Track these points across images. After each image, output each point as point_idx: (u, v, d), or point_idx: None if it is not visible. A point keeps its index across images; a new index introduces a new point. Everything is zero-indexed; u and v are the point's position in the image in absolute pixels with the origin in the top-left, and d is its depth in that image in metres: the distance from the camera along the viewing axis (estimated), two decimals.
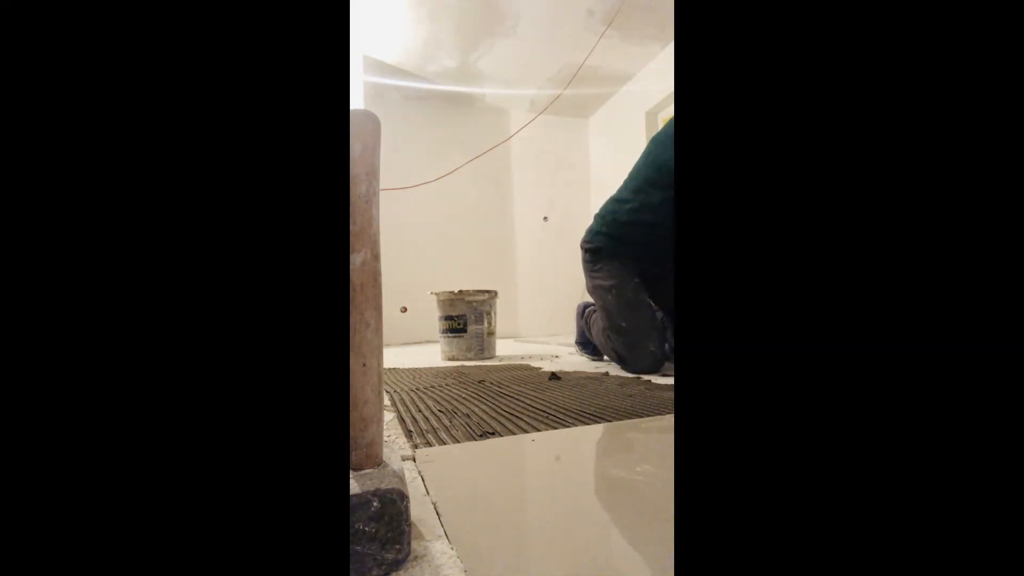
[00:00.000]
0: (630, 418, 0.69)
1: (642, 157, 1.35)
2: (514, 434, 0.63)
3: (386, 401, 0.89)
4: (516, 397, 0.88)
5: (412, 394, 0.95)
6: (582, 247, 1.43)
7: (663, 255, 1.30)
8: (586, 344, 1.56)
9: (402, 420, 0.73)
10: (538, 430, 0.64)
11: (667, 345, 1.26)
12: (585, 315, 1.52)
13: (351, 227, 0.32)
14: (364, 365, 0.32)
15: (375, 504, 0.28)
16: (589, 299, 1.56)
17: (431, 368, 1.46)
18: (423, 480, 0.46)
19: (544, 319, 3.35)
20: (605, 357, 1.48)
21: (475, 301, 1.75)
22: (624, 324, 1.26)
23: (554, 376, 1.10)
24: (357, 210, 0.33)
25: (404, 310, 2.98)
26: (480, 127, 3.27)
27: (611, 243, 1.34)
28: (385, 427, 0.66)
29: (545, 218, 3.43)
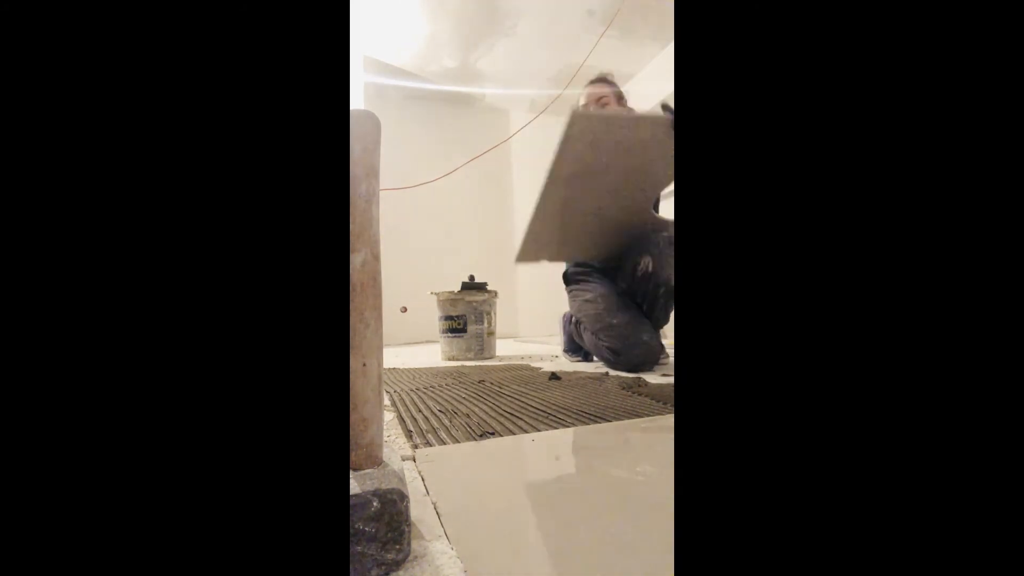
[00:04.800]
0: (630, 418, 0.69)
1: None
2: (514, 434, 0.62)
3: (386, 401, 0.89)
4: (516, 397, 0.88)
5: (412, 394, 0.95)
6: (563, 278, 1.57)
7: (631, 291, 1.39)
8: (576, 350, 1.55)
9: (402, 420, 0.73)
10: (538, 430, 0.64)
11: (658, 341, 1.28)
12: (573, 322, 1.52)
13: (351, 227, 0.32)
14: (364, 365, 0.32)
15: (375, 504, 0.28)
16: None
17: (431, 368, 1.46)
18: (423, 480, 0.46)
19: (544, 319, 3.35)
20: (594, 358, 1.49)
21: (475, 301, 1.75)
22: (615, 321, 1.27)
23: (554, 376, 1.10)
24: (357, 210, 0.33)
25: (404, 310, 2.97)
26: (480, 127, 3.27)
27: (586, 273, 1.48)
28: (385, 427, 0.66)
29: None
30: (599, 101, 1.52)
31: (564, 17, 2.36)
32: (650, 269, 1.27)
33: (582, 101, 1.57)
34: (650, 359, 1.22)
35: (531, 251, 1.46)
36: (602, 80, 1.58)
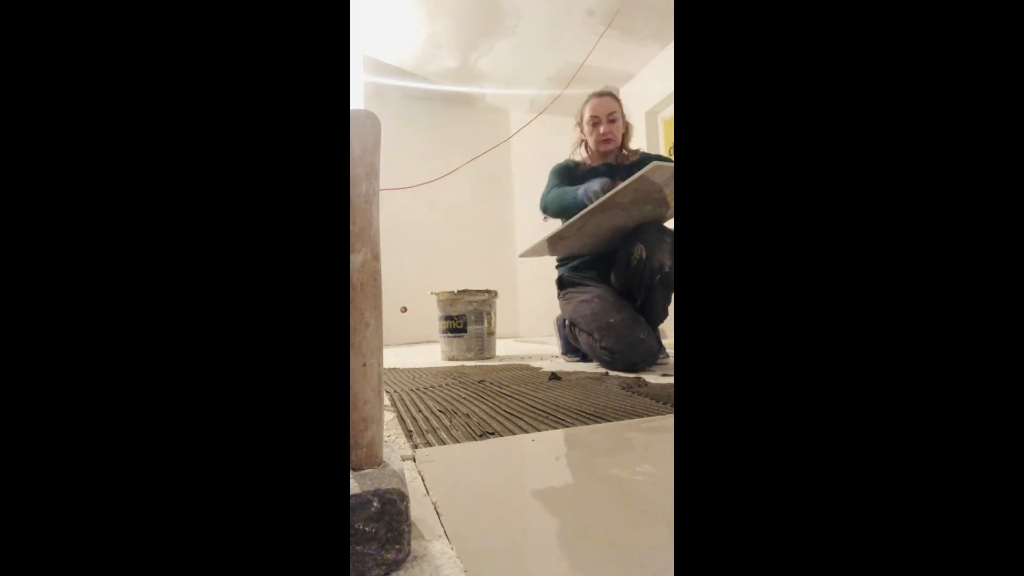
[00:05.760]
0: (630, 418, 0.69)
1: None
2: (514, 434, 0.63)
3: (386, 401, 0.89)
4: (516, 397, 0.88)
5: (412, 394, 0.95)
6: (557, 282, 1.60)
7: (627, 283, 1.40)
8: (574, 352, 1.55)
9: (402, 420, 0.73)
10: (538, 430, 0.64)
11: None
12: (567, 325, 1.52)
13: (351, 227, 0.32)
14: (364, 365, 0.32)
15: (375, 504, 0.28)
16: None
17: (431, 368, 1.46)
18: (423, 480, 0.46)
19: (544, 319, 3.35)
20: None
21: (475, 301, 1.75)
22: (612, 320, 1.28)
23: (554, 376, 1.10)
24: (357, 210, 0.33)
25: (404, 310, 2.98)
26: (480, 127, 3.27)
27: (582, 277, 1.52)
28: (385, 427, 0.66)
29: (545, 218, 3.43)
30: (609, 116, 1.53)
31: (564, 17, 2.36)
32: (643, 256, 1.29)
33: (589, 113, 1.56)
34: (648, 358, 1.22)
35: (538, 251, 1.50)
36: (608, 94, 1.58)
